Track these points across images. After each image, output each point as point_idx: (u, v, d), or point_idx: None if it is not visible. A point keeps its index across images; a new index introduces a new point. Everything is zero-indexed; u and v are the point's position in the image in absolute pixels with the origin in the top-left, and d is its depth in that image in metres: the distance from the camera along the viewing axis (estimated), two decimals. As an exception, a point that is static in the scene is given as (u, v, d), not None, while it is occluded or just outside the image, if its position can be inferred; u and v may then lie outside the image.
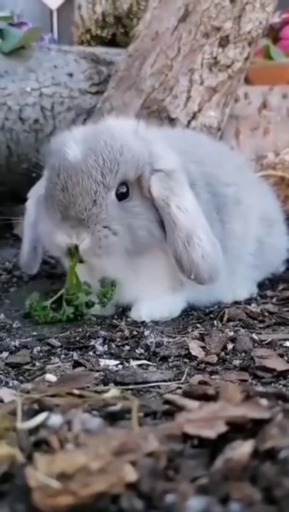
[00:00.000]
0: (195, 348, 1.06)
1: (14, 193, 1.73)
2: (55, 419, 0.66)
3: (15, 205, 1.75)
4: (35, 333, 1.18)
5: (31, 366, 1.01)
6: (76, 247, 1.14)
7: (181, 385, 0.91)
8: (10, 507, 0.52)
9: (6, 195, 1.93)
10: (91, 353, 1.07)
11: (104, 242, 1.13)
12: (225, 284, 1.30)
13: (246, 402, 0.72)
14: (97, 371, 0.97)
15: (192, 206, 1.18)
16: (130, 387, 0.90)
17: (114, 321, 1.22)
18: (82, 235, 1.13)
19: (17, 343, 1.10)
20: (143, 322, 1.22)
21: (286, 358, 1.03)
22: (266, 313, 1.29)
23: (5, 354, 1.06)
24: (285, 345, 1.09)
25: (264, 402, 0.71)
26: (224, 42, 1.79)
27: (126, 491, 0.53)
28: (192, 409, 0.71)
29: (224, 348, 1.08)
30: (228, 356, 1.05)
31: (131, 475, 0.54)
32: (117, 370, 0.98)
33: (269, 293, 1.47)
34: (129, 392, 0.86)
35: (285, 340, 1.11)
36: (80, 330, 1.16)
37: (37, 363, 1.02)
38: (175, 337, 1.14)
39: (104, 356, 1.05)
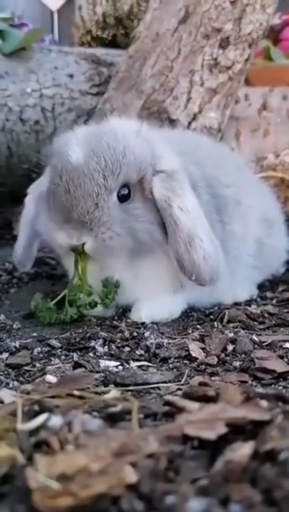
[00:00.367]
0: (195, 350, 1.06)
1: (14, 194, 1.73)
2: (56, 421, 0.66)
3: (15, 206, 1.76)
4: (35, 334, 1.18)
5: (31, 367, 1.01)
6: (81, 249, 1.14)
7: (181, 387, 0.91)
8: (10, 508, 0.52)
9: (6, 196, 1.93)
10: (91, 354, 1.07)
11: (109, 243, 1.13)
12: (225, 285, 1.30)
13: (246, 403, 0.72)
14: (98, 372, 0.97)
15: (194, 207, 1.18)
16: (130, 388, 0.90)
17: (114, 322, 1.22)
18: (84, 238, 1.13)
19: (17, 344, 1.10)
20: (143, 323, 1.22)
21: (286, 360, 1.03)
22: (266, 315, 1.29)
23: (5, 355, 1.06)
24: (285, 346, 1.09)
25: (264, 403, 0.71)
26: (224, 43, 1.79)
27: (126, 493, 0.53)
28: (192, 411, 0.71)
29: (224, 349, 1.08)
30: (228, 357, 1.05)
31: (131, 476, 0.54)
32: (117, 371, 0.98)
33: (269, 294, 1.47)
34: (130, 393, 0.86)
35: (285, 341, 1.11)
36: (80, 331, 1.16)
37: (37, 364, 1.02)
38: (175, 338, 1.14)
39: (105, 357, 1.05)
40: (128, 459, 0.57)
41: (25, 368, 1.01)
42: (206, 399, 0.75)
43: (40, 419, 0.67)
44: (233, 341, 1.10)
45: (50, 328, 1.21)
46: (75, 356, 1.05)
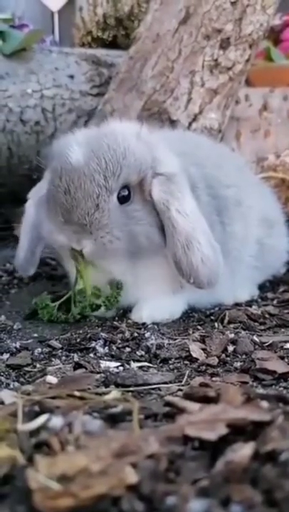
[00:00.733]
0: (196, 350, 1.06)
1: (15, 195, 1.73)
2: (56, 421, 0.66)
3: (15, 207, 1.76)
4: (36, 335, 1.18)
5: (32, 368, 1.01)
6: (81, 252, 1.14)
7: (181, 387, 0.91)
8: (10, 509, 0.52)
9: (6, 197, 1.94)
10: (92, 354, 1.07)
11: (109, 247, 1.13)
12: (226, 285, 1.30)
13: (247, 404, 0.72)
14: (98, 373, 0.97)
15: (192, 210, 1.18)
16: (131, 389, 0.90)
17: (115, 322, 1.22)
18: (84, 242, 1.13)
19: (18, 344, 1.10)
20: (144, 324, 1.22)
21: (287, 360, 1.03)
22: (267, 315, 1.28)
23: (6, 356, 1.06)
24: (285, 347, 1.09)
25: (265, 404, 0.71)
26: (225, 44, 1.79)
27: (126, 493, 0.53)
28: (193, 412, 0.71)
29: (225, 350, 1.08)
30: (228, 358, 1.05)
31: (131, 477, 0.54)
32: (117, 372, 0.98)
33: (270, 295, 1.47)
34: (130, 394, 0.86)
35: (286, 342, 1.11)
36: (81, 332, 1.16)
37: (38, 365, 1.02)
38: (176, 339, 1.14)
39: (105, 358, 1.05)
40: (129, 459, 0.57)
41: (26, 368, 1.01)
42: (206, 400, 0.75)
43: (41, 419, 0.67)
44: (233, 342, 1.10)
45: (51, 328, 1.21)
46: (76, 357, 1.05)
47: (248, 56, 1.83)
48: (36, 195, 1.32)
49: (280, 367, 0.97)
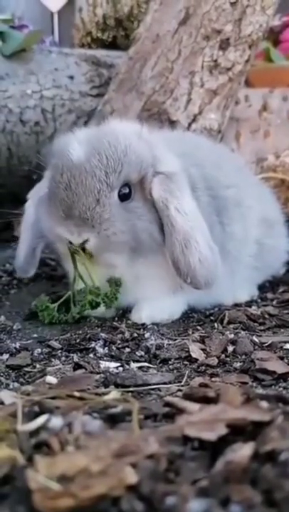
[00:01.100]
0: (195, 351, 1.06)
1: (15, 195, 1.73)
2: (56, 422, 0.66)
3: (15, 207, 1.76)
4: (35, 335, 1.18)
5: (32, 368, 1.01)
6: (82, 248, 1.14)
7: (181, 388, 0.91)
8: (10, 509, 0.52)
9: (6, 197, 1.93)
10: (91, 355, 1.07)
11: (114, 239, 1.13)
12: (225, 286, 1.30)
13: (246, 404, 0.72)
14: (98, 373, 0.97)
15: (191, 210, 1.17)
16: (131, 389, 0.90)
17: (114, 323, 1.22)
18: (85, 234, 1.13)
19: (17, 345, 1.10)
20: (143, 324, 1.22)
21: (286, 361, 1.03)
22: (266, 316, 1.29)
23: (5, 356, 1.06)
24: (285, 347, 1.09)
25: (264, 404, 0.71)
26: (225, 45, 1.80)
27: (126, 493, 0.53)
28: (192, 412, 0.71)
29: (224, 350, 1.08)
30: (228, 359, 1.05)
31: (131, 477, 0.54)
32: (117, 373, 0.98)
33: (269, 295, 1.47)
34: (130, 394, 0.86)
35: (286, 342, 1.11)
36: (81, 332, 1.16)
37: (37, 365, 1.02)
38: (175, 339, 1.14)
39: (105, 358, 1.05)
40: (128, 459, 0.57)
41: (26, 369, 1.01)
42: (206, 400, 0.75)
43: (41, 420, 0.67)
44: (233, 342, 1.10)
45: (51, 329, 1.21)
46: (76, 357, 1.05)
47: (247, 57, 1.84)
48: (36, 195, 1.32)
49: (279, 367, 0.97)
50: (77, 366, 1.01)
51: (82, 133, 1.21)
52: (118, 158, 1.13)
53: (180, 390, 0.89)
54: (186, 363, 1.04)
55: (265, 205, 1.47)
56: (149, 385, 0.92)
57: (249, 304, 1.39)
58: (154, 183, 1.18)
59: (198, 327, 1.22)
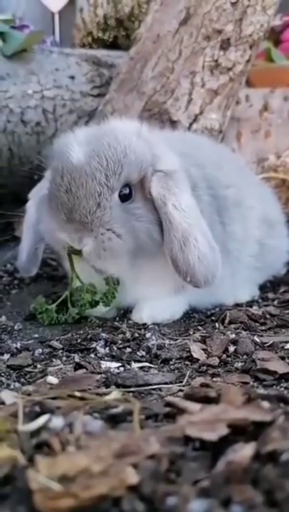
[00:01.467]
0: (196, 351, 1.06)
1: (16, 196, 1.73)
2: (57, 422, 0.66)
3: (16, 208, 1.76)
4: (36, 335, 1.18)
5: (33, 368, 1.01)
6: (78, 251, 1.14)
7: (182, 388, 0.91)
8: (11, 509, 0.52)
9: (7, 198, 1.93)
10: (92, 355, 1.07)
11: (108, 245, 1.12)
12: (226, 286, 1.30)
13: (248, 404, 0.72)
14: (99, 373, 0.97)
15: (189, 206, 1.17)
16: (132, 389, 0.90)
17: (115, 323, 1.22)
18: (85, 240, 1.13)
19: (18, 345, 1.10)
20: (144, 324, 1.22)
21: (288, 361, 1.03)
22: (268, 316, 1.28)
23: (6, 356, 1.06)
24: (286, 347, 1.09)
25: (265, 404, 0.71)
26: (225, 45, 1.80)
27: (127, 494, 0.53)
28: (194, 412, 0.71)
29: (226, 350, 1.08)
30: (229, 359, 1.05)
31: (132, 477, 0.54)
32: (118, 373, 0.98)
33: (270, 295, 1.47)
34: (131, 394, 0.86)
35: (287, 342, 1.11)
36: (82, 332, 1.16)
37: (38, 365, 1.02)
38: (176, 339, 1.14)
39: (106, 358, 1.05)
40: (129, 460, 0.57)
41: (27, 369, 1.01)
42: (207, 400, 0.75)
43: (42, 420, 0.67)
44: (234, 342, 1.10)
45: (52, 329, 1.21)
46: (77, 357, 1.05)
47: (248, 57, 1.84)
48: (37, 195, 1.32)
49: (280, 367, 0.97)
50: (78, 366, 1.01)
51: (81, 133, 1.21)
52: (118, 159, 1.13)
53: (181, 390, 0.89)
54: (187, 363, 1.04)
55: (266, 205, 1.47)
56: (150, 385, 0.92)
57: (250, 304, 1.39)
58: (152, 181, 1.17)
59: (200, 327, 1.22)
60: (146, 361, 1.05)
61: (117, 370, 0.99)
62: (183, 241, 1.14)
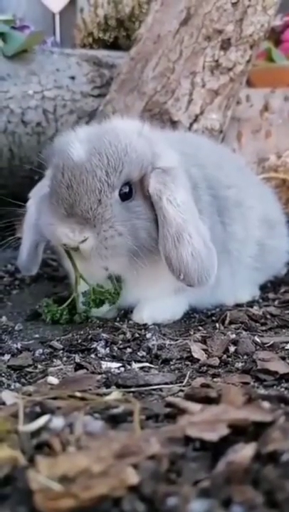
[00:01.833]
0: (197, 351, 1.06)
1: (16, 196, 1.73)
2: (57, 422, 0.66)
3: (17, 208, 1.76)
4: (37, 336, 1.18)
5: (33, 369, 1.01)
6: (76, 248, 1.14)
7: (183, 388, 0.91)
8: (11, 510, 0.52)
9: (7, 198, 1.93)
10: (93, 355, 1.07)
11: (110, 242, 1.12)
12: (227, 286, 1.30)
13: (248, 404, 0.72)
14: (99, 374, 0.97)
15: (185, 202, 1.15)
16: (132, 389, 0.90)
17: (116, 323, 1.22)
18: (85, 233, 1.12)
19: (19, 345, 1.10)
20: (145, 324, 1.22)
21: (288, 361, 1.03)
22: (268, 316, 1.28)
23: (7, 356, 1.06)
24: (287, 348, 1.09)
25: (266, 404, 0.71)
26: (226, 45, 1.80)
27: (128, 494, 0.53)
28: (194, 412, 0.71)
29: (226, 350, 1.08)
30: (230, 359, 1.05)
31: (133, 478, 0.54)
32: (119, 373, 0.98)
33: (271, 295, 1.47)
34: (131, 394, 0.86)
35: (287, 342, 1.11)
36: (82, 332, 1.16)
37: (39, 366, 1.02)
38: (177, 339, 1.14)
39: (106, 359, 1.05)
40: (130, 460, 0.57)
41: (27, 369, 1.01)
42: (207, 400, 0.75)
43: (42, 420, 0.67)
44: (235, 343, 1.10)
45: (52, 329, 1.21)
46: (77, 358, 1.05)
47: (248, 57, 1.84)
48: (37, 194, 1.32)
49: (281, 367, 0.97)
50: (78, 367, 1.01)
51: (83, 131, 1.21)
52: (119, 157, 1.13)
53: (181, 391, 0.89)
54: (187, 363, 1.04)
55: (267, 206, 1.47)
56: (151, 385, 0.92)
57: (251, 304, 1.39)
58: (150, 178, 1.17)
59: (200, 327, 1.22)
60: (146, 361, 1.04)
61: (117, 371, 0.99)
62: (177, 237, 1.12)
